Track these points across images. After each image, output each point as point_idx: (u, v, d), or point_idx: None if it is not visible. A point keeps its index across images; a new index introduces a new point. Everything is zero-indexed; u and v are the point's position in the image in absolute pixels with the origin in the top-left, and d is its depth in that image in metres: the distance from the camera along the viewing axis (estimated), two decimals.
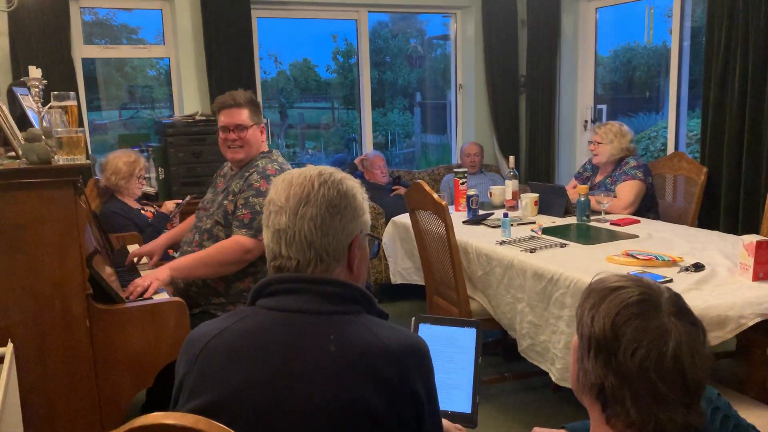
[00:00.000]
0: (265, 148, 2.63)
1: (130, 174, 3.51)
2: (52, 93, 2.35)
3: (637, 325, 1.06)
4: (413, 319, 1.67)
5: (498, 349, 3.62)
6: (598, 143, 3.69)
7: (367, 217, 1.26)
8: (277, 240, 1.18)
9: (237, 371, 1.08)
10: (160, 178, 4.24)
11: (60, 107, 2.26)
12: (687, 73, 4.43)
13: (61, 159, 1.99)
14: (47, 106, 2.33)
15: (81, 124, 4.07)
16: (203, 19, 4.44)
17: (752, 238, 2.24)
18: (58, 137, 2.00)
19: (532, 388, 3.23)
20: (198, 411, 1.06)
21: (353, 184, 1.24)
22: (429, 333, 1.66)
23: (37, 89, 2.41)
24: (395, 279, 3.79)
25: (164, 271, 2.37)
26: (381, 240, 3.80)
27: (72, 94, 2.36)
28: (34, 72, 2.41)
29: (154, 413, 0.93)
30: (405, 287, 3.83)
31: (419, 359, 1.15)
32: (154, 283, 2.32)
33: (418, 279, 3.58)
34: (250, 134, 2.52)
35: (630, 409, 1.05)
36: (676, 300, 1.09)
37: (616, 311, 1.08)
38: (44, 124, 2.28)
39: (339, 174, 1.23)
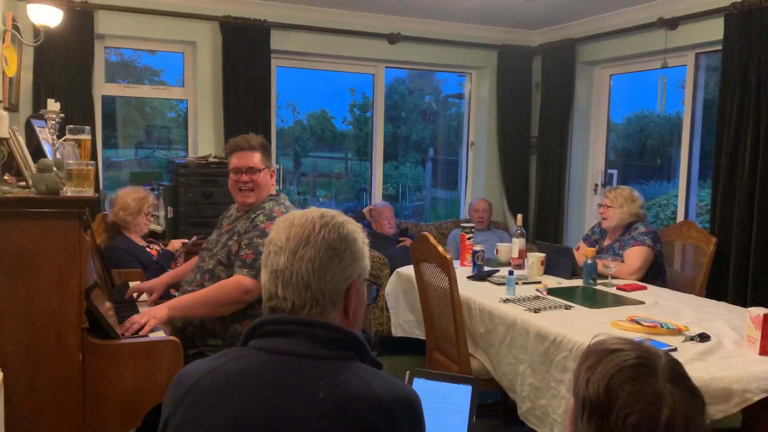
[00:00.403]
0: (274, 192, 2.65)
1: (138, 210, 3.53)
2: (67, 126, 2.39)
3: (630, 390, 1.03)
4: (407, 372, 1.64)
5: (497, 412, 3.53)
6: (608, 207, 3.68)
7: (367, 261, 1.24)
8: (274, 280, 1.17)
9: (224, 411, 1.06)
10: (169, 216, 4.26)
11: (74, 140, 2.29)
12: (699, 143, 4.46)
13: (69, 190, 2.01)
14: (62, 139, 2.36)
15: (94, 158, 4.13)
16: (223, 65, 4.54)
17: (759, 311, 2.20)
18: (68, 169, 2.02)
19: None
20: None
21: (355, 228, 1.23)
22: (423, 388, 1.61)
23: (53, 122, 2.45)
24: (396, 331, 3.74)
25: (162, 310, 2.36)
26: (380, 286, 3.77)
27: (87, 128, 2.39)
28: (52, 105, 2.45)
29: None
30: (406, 341, 3.77)
31: (411, 412, 1.11)
32: (151, 321, 2.30)
33: (419, 333, 3.53)
34: (261, 177, 2.55)
35: None
36: (675, 366, 1.06)
37: (611, 374, 1.05)
38: (57, 156, 2.31)
39: (341, 217, 1.23)
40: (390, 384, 1.12)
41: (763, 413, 2.19)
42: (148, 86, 4.94)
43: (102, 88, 4.49)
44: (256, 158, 2.55)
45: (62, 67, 4.08)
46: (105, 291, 2.54)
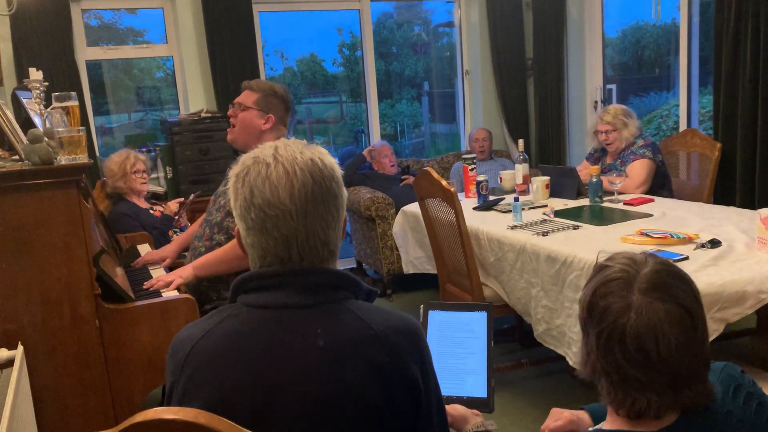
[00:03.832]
0: (272, 140, 2.55)
1: (123, 173, 3.50)
2: (53, 94, 2.33)
3: (605, 304, 1.03)
4: (422, 306, 1.65)
5: (514, 336, 3.58)
6: (612, 131, 3.60)
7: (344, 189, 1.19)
8: (286, 245, 1.09)
9: (224, 375, 1.04)
10: (168, 177, 4.23)
11: (61, 108, 2.25)
12: (697, 50, 4.35)
13: (63, 159, 1.98)
14: (49, 108, 2.32)
15: (85, 124, 4.07)
16: (204, 16, 4.42)
17: None
18: (59, 137, 1.98)
19: (549, 374, 3.19)
20: None
21: (335, 161, 1.16)
22: (439, 319, 1.63)
23: (38, 91, 2.39)
24: (407, 269, 3.76)
25: (187, 270, 2.34)
26: None
27: (73, 94, 2.34)
28: (35, 74, 2.39)
29: (154, 408, 0.91)
30: (418, 277, 3.80)
31: (411, 340, 1.10)
32: (177, 280, 2.30)
33: (430, 268, 3.54)
34: (244, 115, 2.42)
35: (608, 387, 1.04)
36: (653, 277, 1.03)
37: (593, 289, 1.06)
38: (47, 125, 2.27)
39: (326, 157, 1.15)
40: (387, 317, 1.11)
41: None
42: (131, 46, 4.82)
43: (85, 52, 4.39)
44: (249, 97, 2.43)
45: (41, 34, 3.98)
46: (113, 256, 2.54)
